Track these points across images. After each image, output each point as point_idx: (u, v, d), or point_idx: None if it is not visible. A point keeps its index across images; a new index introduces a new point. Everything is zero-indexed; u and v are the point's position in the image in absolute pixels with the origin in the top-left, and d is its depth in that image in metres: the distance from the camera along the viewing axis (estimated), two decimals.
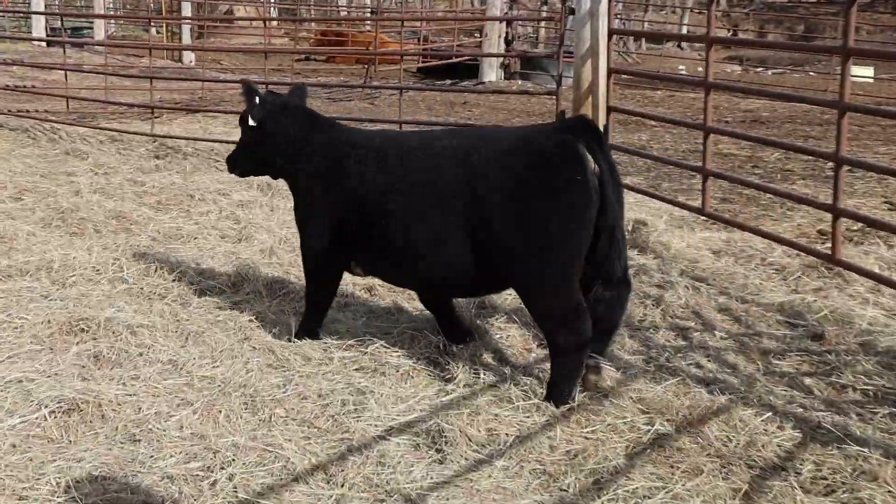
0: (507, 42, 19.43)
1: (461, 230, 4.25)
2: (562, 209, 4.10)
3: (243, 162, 5.15)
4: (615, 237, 4.14)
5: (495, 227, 4.18)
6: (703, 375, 4.51)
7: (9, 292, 5.54)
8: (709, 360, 4.69)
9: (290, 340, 4.79)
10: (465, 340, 4.82)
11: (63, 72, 13.83)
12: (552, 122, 4.67)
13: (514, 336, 5.01)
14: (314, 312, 4.91)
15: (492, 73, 19.22)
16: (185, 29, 24.66)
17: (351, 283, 5.63)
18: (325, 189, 4.69)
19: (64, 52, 13.77)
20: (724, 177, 7.09)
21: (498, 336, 5.00)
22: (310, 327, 4.89)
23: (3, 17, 28.05)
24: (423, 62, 20.60)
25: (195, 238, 6.88)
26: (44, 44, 26.00)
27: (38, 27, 27.29)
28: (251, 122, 4.94)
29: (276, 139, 4.91)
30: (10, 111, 13.25)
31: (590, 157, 4.12)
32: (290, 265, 6.29)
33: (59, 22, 26.44)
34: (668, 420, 3.98)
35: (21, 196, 8.18)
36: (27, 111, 13.43)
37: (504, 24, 19.12)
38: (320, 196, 4.71)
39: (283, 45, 29.14)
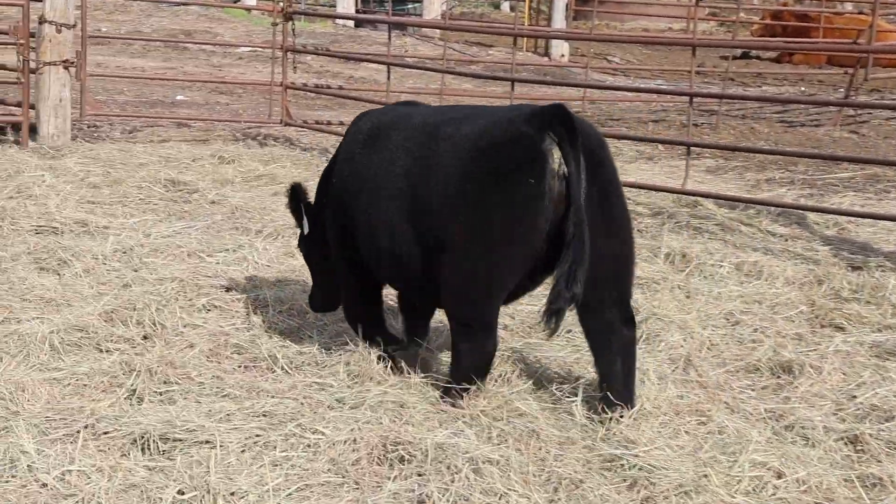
0: None
1: (411, 224, 5.92)
2: (504, 210, 5.54)
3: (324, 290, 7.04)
4: (574, 252, 5.36)
5: (435, 219, 5.78)
6: None
7: (297, 392, 6.10)
8: None
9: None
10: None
11: (383, 66, 14.97)
12: (528, 108, 5.85)
13: None
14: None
15: None
16: (558, 6, 25.76)
17: None
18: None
19: (390, 37, 14.96)
20: None
21: None
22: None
23: None
24: None
25: (568, 331, 7.10)
26: (351, 23, 28.76)
27: (345, 1, 30.04)
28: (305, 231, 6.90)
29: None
30: (304, 122, 14.74)
31: (556, 155, 5.44)
32: (715, 387, 6.37)
33: None
34: None
35: None
36: (327, 123, 14.86)
37: None
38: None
39: (706, 32, 29.69)
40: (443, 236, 5.78)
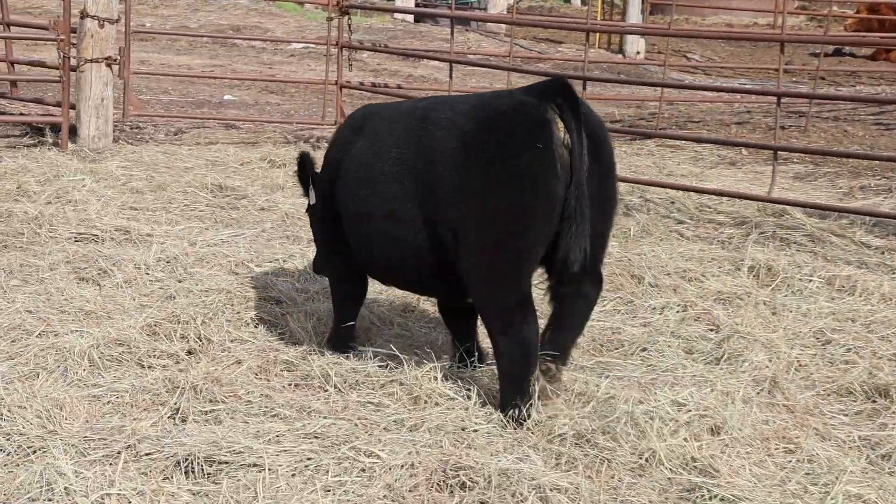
0: None
1: (416, 210, 6.11)
2: (516, 180, 5.72)
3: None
4: (576, 223, 5.68)
5: (441, 200, 5.97)
6: None
7: (351, 412, 6.10)
8: None
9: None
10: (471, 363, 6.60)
11: (445, 64, 14.95)
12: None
13: None
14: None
15: None
16: (634, 1, 25.66)
17: None
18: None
19: (452, 33, 14.97)
20: None
21: None
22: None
23: None
24: None
25: (643, 349, 7.11)
26: (410, 18, 28.86)
27: None
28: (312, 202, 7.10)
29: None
30: None
31: (559, 125, 5.70)
32: (803, 411, 6.32)
33: None
34: None
35: None
36: None
37: None
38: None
39: (795, 27, 29.50)
40: (454, 221, 5.95)
